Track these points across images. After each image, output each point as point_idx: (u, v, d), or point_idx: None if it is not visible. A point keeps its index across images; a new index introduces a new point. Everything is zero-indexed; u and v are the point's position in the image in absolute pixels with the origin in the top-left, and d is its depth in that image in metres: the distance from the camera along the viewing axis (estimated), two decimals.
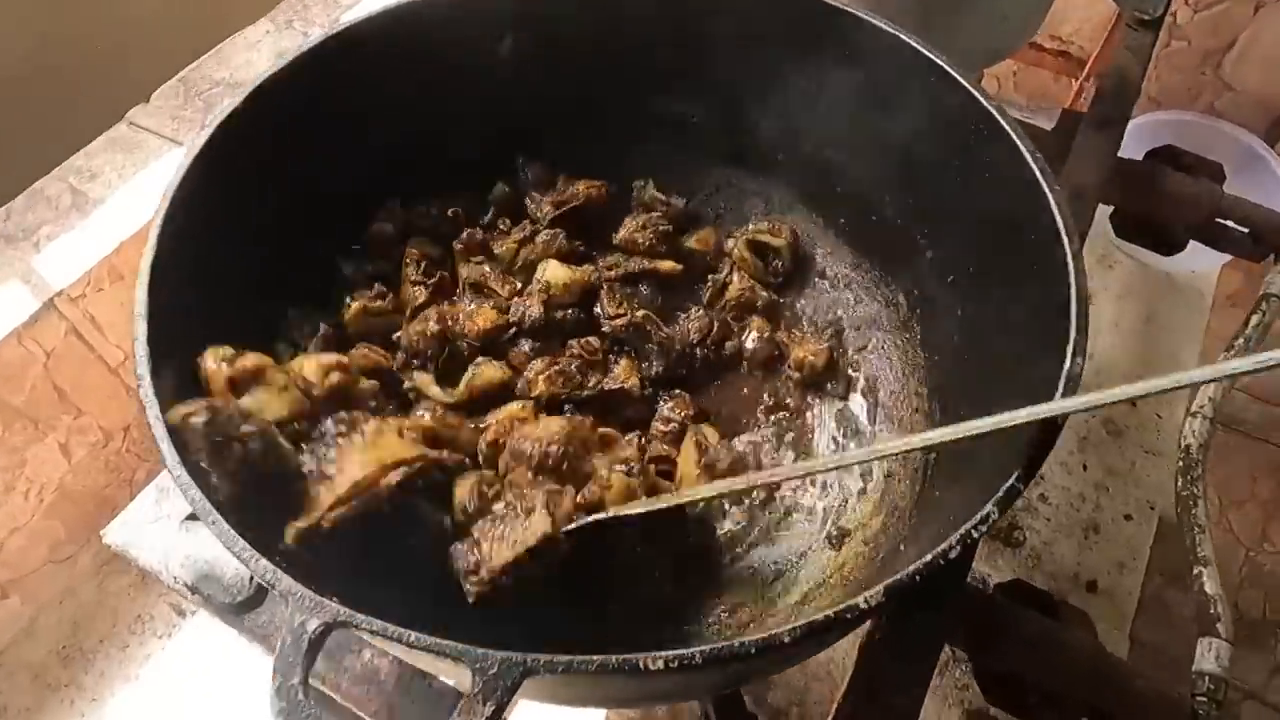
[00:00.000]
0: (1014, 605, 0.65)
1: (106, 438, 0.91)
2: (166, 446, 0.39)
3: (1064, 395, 0.41)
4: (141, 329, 0.44)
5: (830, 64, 0.60)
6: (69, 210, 0.90)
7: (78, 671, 0.89)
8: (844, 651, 0.74)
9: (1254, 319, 0.87)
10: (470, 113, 0.65)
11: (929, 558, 0.37)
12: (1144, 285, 1.21)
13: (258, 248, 0.56)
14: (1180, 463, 0.78)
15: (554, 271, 0.62)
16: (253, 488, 0.50)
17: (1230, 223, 0.91)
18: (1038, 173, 0.48)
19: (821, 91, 0.62)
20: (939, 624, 0.58)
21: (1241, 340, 0.86)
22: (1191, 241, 0.94)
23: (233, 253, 0.54)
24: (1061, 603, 0.68)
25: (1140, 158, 0.94)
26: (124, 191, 0.90)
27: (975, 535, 0.37)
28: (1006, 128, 0.50)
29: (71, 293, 0.83)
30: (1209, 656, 0.65)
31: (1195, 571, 0.70)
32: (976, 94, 0.52)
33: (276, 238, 0.57)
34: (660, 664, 0.35)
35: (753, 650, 0.35)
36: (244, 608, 0.60)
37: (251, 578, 0.60)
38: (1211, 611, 0.67)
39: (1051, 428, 0.40)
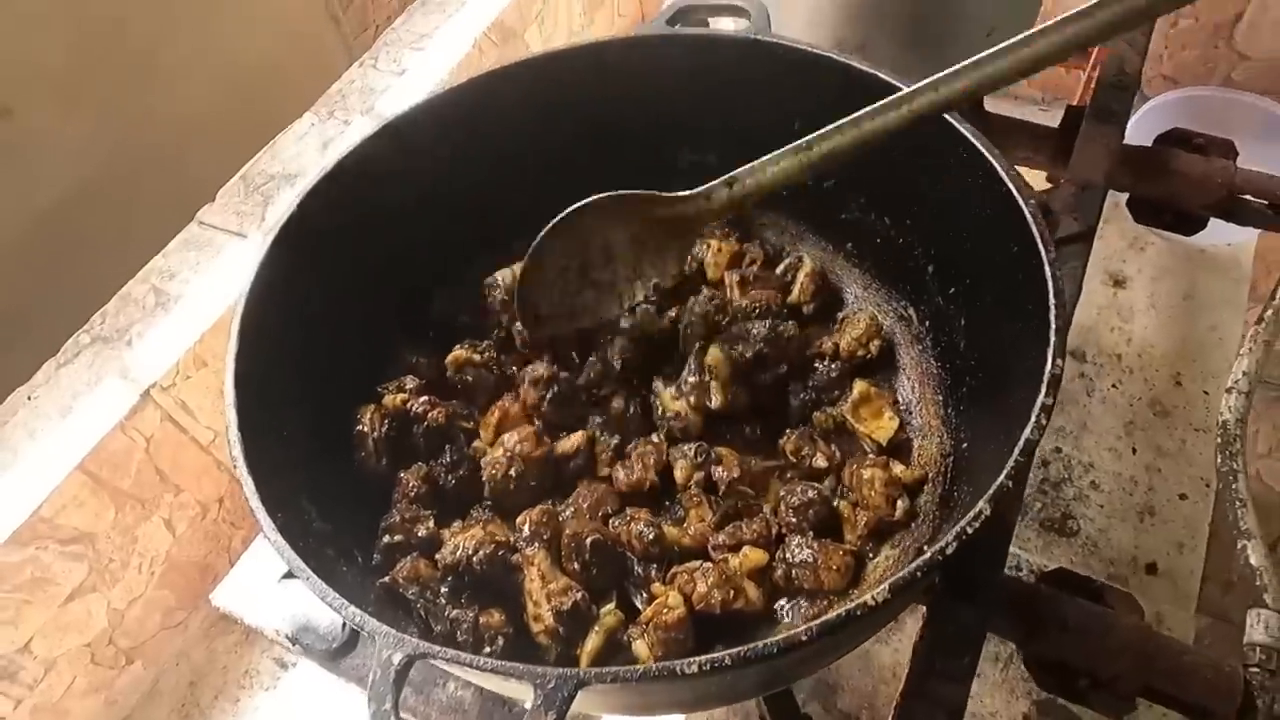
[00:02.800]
0: (1058, 593, 0.67)
1: (204, 510, 1.00)
2: (263, 517, 0.46)
3: (1046, 396, 0.45)
4: (232, 416, 0.51)
5: (819, 104, 0.64)
6: (154, 308, 1.00)
7: None
8: (909, 655, 0.77)
9: None
10: (507, 183, 0.72)
11: (927, 556, 0.41)
12: (1179, 263, 1.21)
13: (334, 329, 0.64)
14: (1219, 439, 0.79)
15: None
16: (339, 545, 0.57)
17: (1250, 196, 0.92)
18: (1012, 188, 0.52)
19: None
20: (978, 617, 0.61)
21: (1270, 313, 0.87)
22: None
23: (308, 340, 0.62)
24: (1106, 586, 0.70)
25: (1156, 139, 0.96)
26: (199, 286, 0.99)
27: (970, 531, 0.41)
28: (980, 148, 0.54)
29: (163, 383, 0.92)
30: (1259, 628, 0.66)
31: (1240, 545, 0.72)
32: (953, 120, 0.56)
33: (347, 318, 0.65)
34: (694, 668, 0.40)
35: (775, 650, 0.40)
36: (340, 653, 0.66)
37: (344, 625, 0.67)
38: (1259, 583, 0.68)
39: (1038, 430, 0.44)
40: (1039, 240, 0.50)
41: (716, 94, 0.68)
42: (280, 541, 0.45)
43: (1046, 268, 0.49)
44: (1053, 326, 0.47)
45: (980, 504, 0.42)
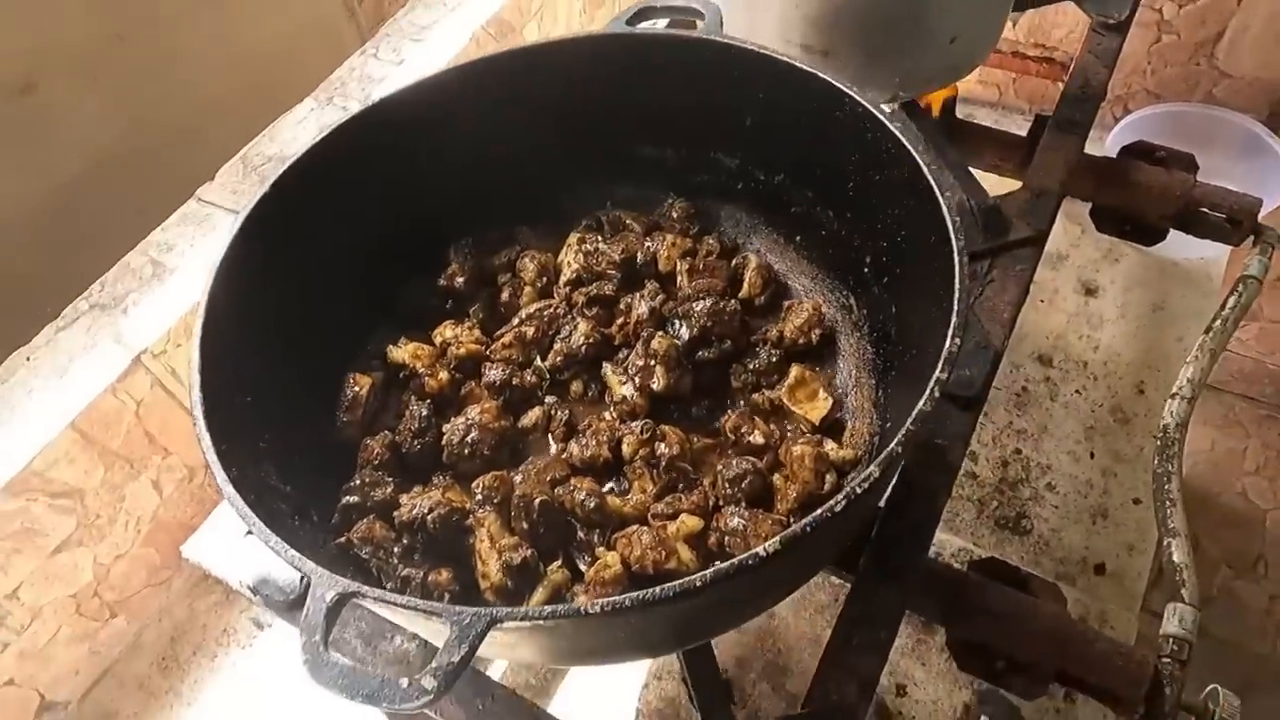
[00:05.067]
0: (983, 580, 0.70)
1: (191, 474, 1.04)
2: (217, 470, 0.49)
3: (942, 371, 0.48)
4: (195, 378, 0.55)
5: (768, 103, 0.68)
6: (150, 279, 1.04)
7: (175, 680, 1.01)
8: None
9: (1231, 300, 0.90)
10: (479, 171, 0.76)
11: (817, 513, 0.44)
12: (1151, 275, 1.23)
13: (308, 303, 0.69)
14: (1158, 441, 0.82)
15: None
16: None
17: (1207, 210, 0.94)
18: (931, 181, 0.55)
19: (764, 127, 0.70)
20: (897, 595, 0.65)
21: (1219, 322, 0.89)
22: None
23: (279, 312, 0.66)
24: (1031, 576, 0.73)
25: (1120, 151, 0.99)
26: (194, 259, 1.04)
27: (859, 491, 0.44)
28: (907, 144, 0.58)
29: (155, 349, 0.96)
30: (1174, 620, 0.69)
31: (1165, 542, 0.74)
32: (882, 117, 0.60)
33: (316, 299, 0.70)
34: (598, 608, 0.43)
35: (671, 595, 0.43)
36: (296, 604, 0.70)
37: (301, 578, 0.71)
38: (1178, 579, 0.71)
39: (931, 401, 0.47)
40: (951, 230, 0.53)
41: (672, 92, 0.72)
42: (232, 492, 0.49)
43: (955, 255, 0.52)
44: (955, 308, 0.50)
45: (871, 467, 0.45)
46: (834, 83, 0.62)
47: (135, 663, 1.03)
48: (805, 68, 0.63)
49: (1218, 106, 1.28)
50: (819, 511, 0.44)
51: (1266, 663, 1.77)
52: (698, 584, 0.43)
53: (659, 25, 0.75)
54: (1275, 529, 1.96)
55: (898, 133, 0.58)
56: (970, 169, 0.91)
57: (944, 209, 0.54)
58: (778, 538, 0.44)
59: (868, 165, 0.63)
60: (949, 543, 1.02)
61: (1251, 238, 0.93)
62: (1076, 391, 1.13)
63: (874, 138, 0.60)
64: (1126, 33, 1.01)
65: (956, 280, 0.51)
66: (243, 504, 0.49)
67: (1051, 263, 1.25)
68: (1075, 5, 1.04)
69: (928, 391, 0.47)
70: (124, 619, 1.03)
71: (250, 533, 0.50)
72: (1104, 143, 1.36)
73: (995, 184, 1.05)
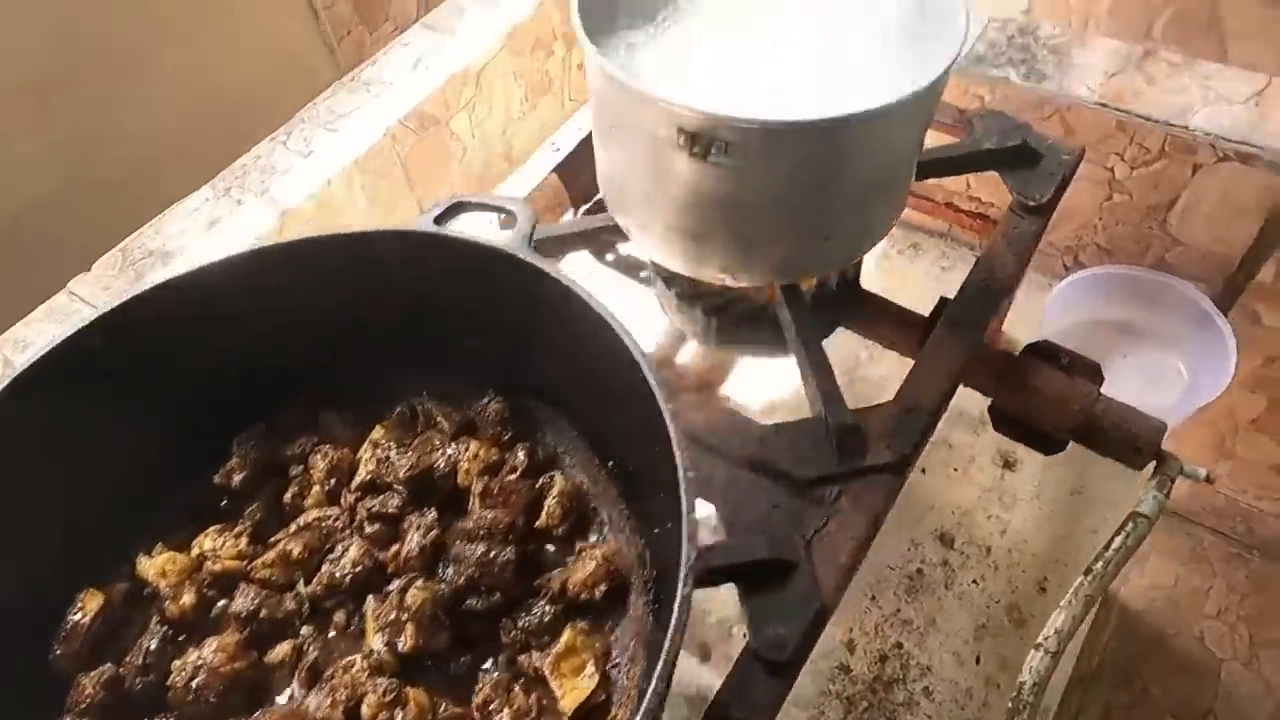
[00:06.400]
0: None
1: None
2: None
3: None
4: None
5: (570, 333, 0.62)
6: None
7: None
8: None
9: (1116, 540, 0.82)
10: (273, 354, 0.70)
11: None
12: (1074, 452, 1.14)
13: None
14: (1009, 704, 0.74)
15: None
16: None
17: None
18: (669, 422, 0.48)
19: (569, 355, 0.64)
20: None
21: (1100, 564, 0.81)
22: None
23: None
24: None
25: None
26: None
27: None
28: (650, 381, 0.51)
29: None
30: None
31: None
32: (638, 359, 0.53)
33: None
34: None
35: None
36: None
37: None
38: None
39: None
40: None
41: (480, 294, 0.66)
42: None
43: (684, 516, 0.45)
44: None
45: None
46: (619, 334, 0.55)
47: None
48: (594, 307, 0.57)
49: (1168, 274, 1.20)
50: None
51: None
52: None
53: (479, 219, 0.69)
54: (1230, 682, 1.85)
55: (639, 360, 0.52)
56: (839, 365, 0.83)
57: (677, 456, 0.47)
58: None
59: (634, 396, 0.55)
60: None
61: (1153, 464, 0.85)
62: (974, 581, 1.05)
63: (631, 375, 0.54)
64: (1049, 218, 0.93)
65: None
66: None
67: (973, 427, 1.17)
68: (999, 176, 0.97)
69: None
70: None
71: None
72: (1051, 290, 1.27)
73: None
